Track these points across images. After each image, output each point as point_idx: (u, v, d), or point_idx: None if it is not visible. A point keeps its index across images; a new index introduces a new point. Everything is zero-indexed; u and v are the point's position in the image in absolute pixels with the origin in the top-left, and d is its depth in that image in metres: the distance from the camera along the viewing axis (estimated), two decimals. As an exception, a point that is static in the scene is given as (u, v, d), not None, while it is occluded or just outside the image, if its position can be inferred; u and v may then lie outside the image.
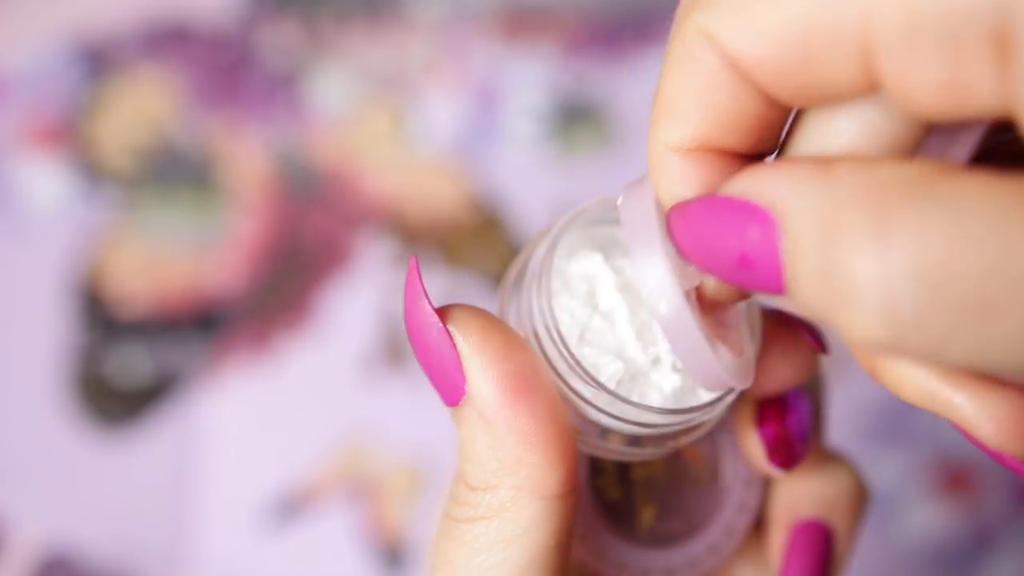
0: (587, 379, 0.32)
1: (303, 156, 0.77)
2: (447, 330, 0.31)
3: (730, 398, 0.34)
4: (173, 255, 0.75)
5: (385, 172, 0.76)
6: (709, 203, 0.26)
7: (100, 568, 0.69)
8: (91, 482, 0.71)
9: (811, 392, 0.38)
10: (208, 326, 0.73)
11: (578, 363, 0.32)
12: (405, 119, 0.78)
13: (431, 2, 0.80)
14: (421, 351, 0.32)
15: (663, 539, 0.39)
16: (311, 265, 0.74)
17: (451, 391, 0.32)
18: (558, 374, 0.33)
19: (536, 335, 0.33)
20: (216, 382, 0.72)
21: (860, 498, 0.39)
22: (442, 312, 0.32)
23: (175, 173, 0.76)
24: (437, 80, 0.78)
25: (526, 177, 0.76)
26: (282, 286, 0.74)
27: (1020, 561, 0.69)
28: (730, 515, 0.39)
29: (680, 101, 0.26)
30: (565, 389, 0.33)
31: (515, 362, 0.32)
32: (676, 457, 0.39)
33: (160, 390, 0.72)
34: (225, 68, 0.78)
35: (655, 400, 0.33)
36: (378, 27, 0.79)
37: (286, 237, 0.75)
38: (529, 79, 0.78)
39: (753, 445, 0.37)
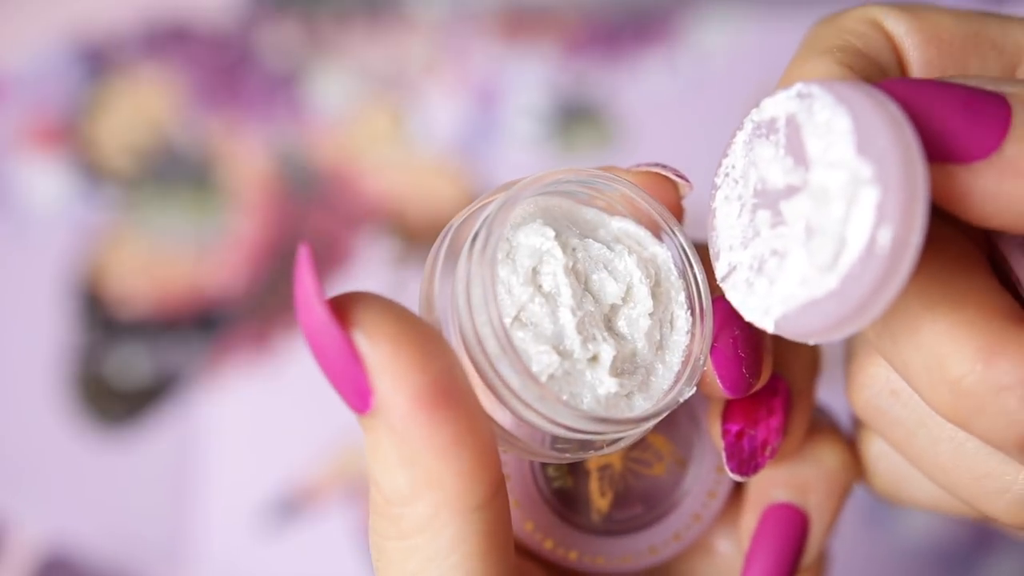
0: (519, 368, 0.29)
1: (303, 156, 0.77)
2: (350, 339, 0.28)
3: (664, 412, 0.32)
4: (173, 255, 0.75)
5: (385, 172, 0.76)
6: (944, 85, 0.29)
7: (100, 568, 0.69)
8: (91, 482, 0.71)
9: (793, 376, 0.36)
10: (208, 326, 0.73)
11: (512, 347, 0.29)
12: (405, 119, 0.78)
13: (431, 2, 0.80)
14: (320, 358, 0.28)
15: (621, 526, 0.38)
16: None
17: (357, 401, 0.29)
18: (486, 357, 0.30)
19: (469, 309, 0.30)
20: (216, 382, 0.72)
21: (843, 480, 0.37)
22: (344, 311, 0.28)
23: (175, 173, 0.76)
24: (437, 80, 0.78)
25: (526, 177, 0.76)
26: (282, 286, 0.74)
27: (1020, 561, 0.69)
28: (697, 502, 0.38)
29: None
30: (491, 376, 0.30)
31: (432, 371, 0.28)
32: (636, 445, 0.37)
33: (160, 390, 0.72)
34: (225, 68, 0.78)
35: (586, 403, 0.31)
36: (378, 27, 0.79)
37: (286, 237, 0.75)
38: (529, 79, 0.78)
39: (716, 436, 0.35)
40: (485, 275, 0.30)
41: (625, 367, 0.32)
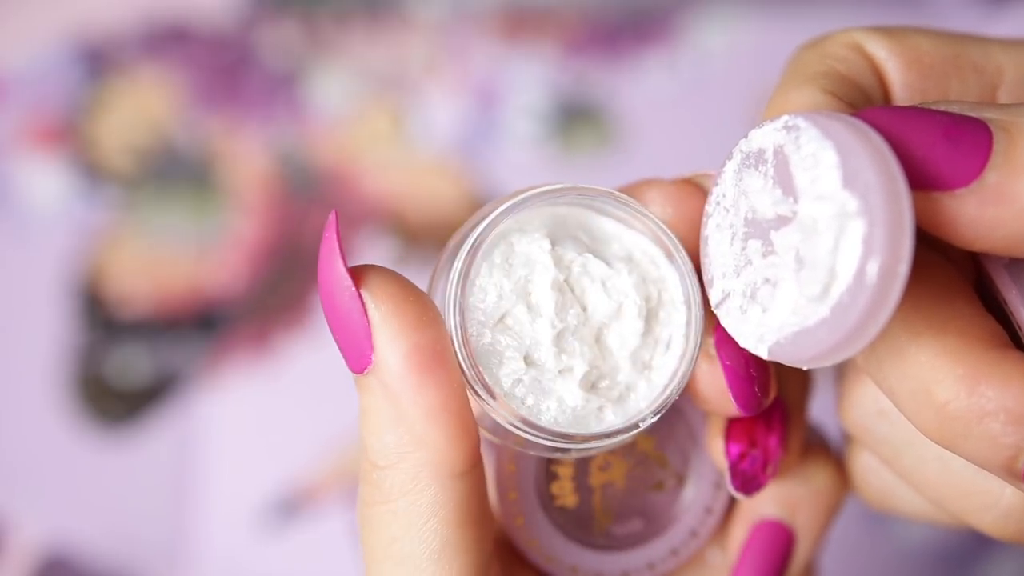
0: (478, 377, 0.32)
1: (303, 156, 0.77)
2: (359, 294, 0.31)
3: (624, 435, 0.33)
4: (173, 255, 0.75)
5: (385, 172, 0.76)
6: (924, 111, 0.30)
7: (100, 568, 0.69)
8: (91, 482, 0.71)
9: (788, 395, 0.37)
10: (208, 326, 0.73)
11: (474, 363, 0.32)
12: (405, 119, 0.78)
13: (431, 2, 0.80)
14: (330, 312, 0.32)
15: (621, 542, 0.39)
16: (311, 265, 0.74)
17: (357, 358, 0.32)
18: (466, 361, 0.32)
19: (454, 308, 0.32)
20: (216, 382, 0.72)
21: (832, 499, 0.38)
22: (357, 273, 0.31)
23: (175, 173, 0.76)
24: (437, 80, 0.78)
25: (526, 177, 0.76)
26: (282, 286, 0.74)
27: (1020, 561, 0.69)
28: (695, 518, 0.39)
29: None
30: (470, 377, 0.32)
31: (427, 335, 0.31)
32: (638, 463, 0.38)
33: (160, 390, 0.72)
34: (225, 68, 0.78)
35: (549, 411, 0.33)
36: (378, 27, 0.79)
37: (286, 237, 0.75)
38: (529, 79, 0.78)
39: (718, 456, 0.36)
40: (471, 276, 0.32)
41: (601, 382, 0.33)
